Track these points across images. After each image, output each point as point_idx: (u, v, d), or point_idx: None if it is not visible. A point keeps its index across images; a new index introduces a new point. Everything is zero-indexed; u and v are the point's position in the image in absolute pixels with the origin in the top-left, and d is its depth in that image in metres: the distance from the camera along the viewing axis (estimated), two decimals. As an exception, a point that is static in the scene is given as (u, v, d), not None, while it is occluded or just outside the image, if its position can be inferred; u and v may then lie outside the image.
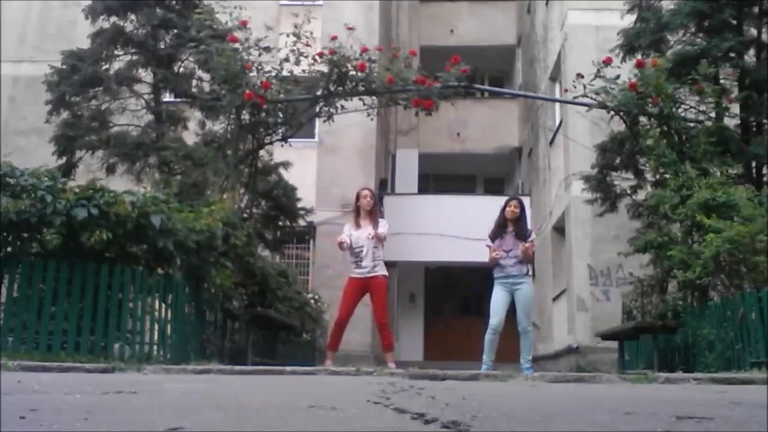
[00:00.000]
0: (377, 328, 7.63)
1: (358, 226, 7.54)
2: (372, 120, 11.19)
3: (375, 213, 7.64)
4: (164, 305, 6.82)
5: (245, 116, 9.30)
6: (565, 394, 3.81)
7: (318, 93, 9.33)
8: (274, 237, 13.03)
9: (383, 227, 7.57)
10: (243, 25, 9.16)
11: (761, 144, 8.96)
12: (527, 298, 7.22)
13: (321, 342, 13.38)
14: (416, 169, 20.97)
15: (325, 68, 9.04)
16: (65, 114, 11.81)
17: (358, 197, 7.67)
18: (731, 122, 9.38)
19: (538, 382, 4.83)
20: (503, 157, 21.73)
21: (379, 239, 7.42)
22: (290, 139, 9.86)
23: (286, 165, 12.61)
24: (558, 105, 15.37)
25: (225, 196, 8.58)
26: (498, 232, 7.34)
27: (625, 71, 9.16)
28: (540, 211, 17.46)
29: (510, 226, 7.31)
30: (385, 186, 18.33)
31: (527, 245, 7.22)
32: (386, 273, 7.57)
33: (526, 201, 18.76)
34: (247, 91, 8.78)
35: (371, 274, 7.40)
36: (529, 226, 7.64)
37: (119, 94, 11.92)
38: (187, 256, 6.90)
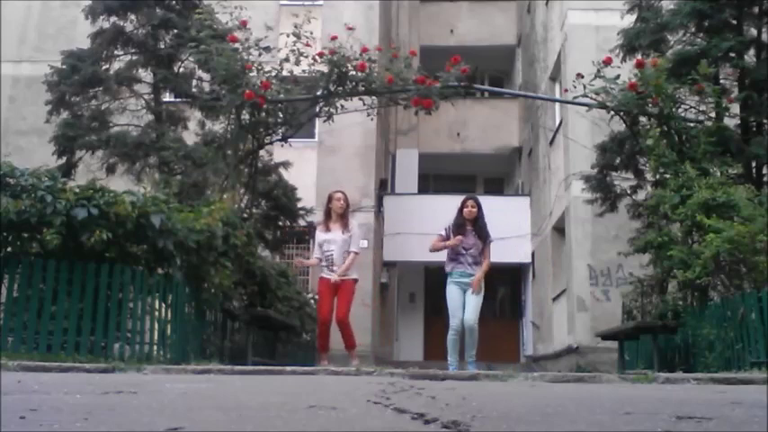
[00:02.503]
0: (338, 325, 7.44)
1: (327, 229, 7.47)
2: (372, 120, 11.19)
3: (346, 217, 7.55)
4: (164, 305, 6.81)
5: (245, 116, 9.29)
6: (565, 394, 3.81)
7: (318, 93, 9.32)
8: (274, 237, 13.03)
9: (354, 228, 7.53)
10: (243, 25, 9.16)
11: (761, 144, 8.96)
12: (478, 297, 7.23)
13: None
14: (416, 169, 20.98)
15: (325, 68, 9.04)
16: (65, 114, 11.82)
17: (330, 199, 7.57)
18: (731, 122, 9.38)
19: (538, 382, 4.83)
20: (503, 157, 21.73)
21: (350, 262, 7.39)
22: (290, 139, 9.86)
23: (286, 165, 12.62)
24: (558, 105, 15.37)
25: (225, 196, 8.58)
26: (458, 232, 7.37)
27: (625, 71, 9.16)
28: (540, 211, 17.46)
29: (469, 225, 7.35)
30: (385, 186, 18.33)
31: (487, 257, 7.38)
32: (356, 276, 7.50)
33: (526, 201, 18.93)
34: (247, 91, 8.77)
35: (341, 278, 7.33)
36: (488, 227, 7.59)
37: (119, 94, 11.93)
38: (187, 255, 6.90)
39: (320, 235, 7.51)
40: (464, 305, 7.25)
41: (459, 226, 7.40)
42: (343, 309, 7.37)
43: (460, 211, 7.43)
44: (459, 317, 7.20)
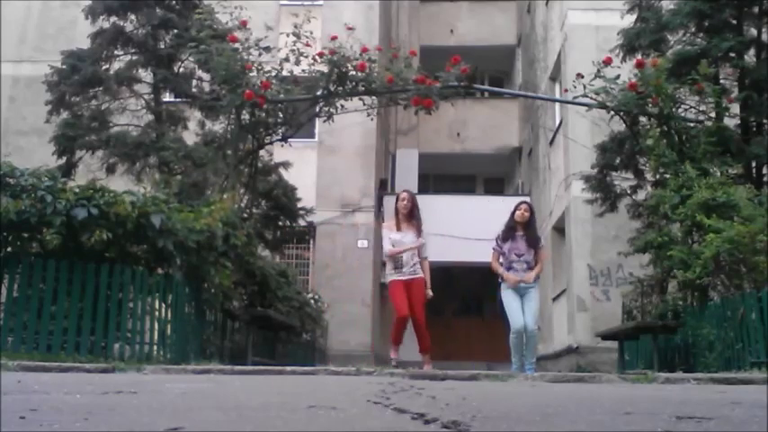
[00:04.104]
0: (414, 329, 7.46)
1: (398, 228, 7.44)
2: (372, 120, 11.19)
3: (418, 219, 7.48)
4: (164, 305, 6.82)
5: (245, 116, 9.30)
6: (565, 394, 3.81)
7: (318, 93, 9.33)
8: (274, 237, 13.03)
9: (424, 239, 7.52)
10: (243, 25, 9.17)
11: (761, 144, 8.96)
12: (535, 303, 7.20)
13: (321, 342, 13.40)
14: (416, 169, 20.95)
15: (325, 68, 9.04)
16: (65, 114, 11.82)
17: (397, 198, 7.64)
18: (731, 122, 9.38)
19: (538, 382, 4.83)
20: (503, 157, 21.72)
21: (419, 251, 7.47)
22: (290, 139, 9.86)
23: (286, 165, 12.62)
24: (558, 105, 15.37)
25: (225, 196, 8.58)
26: (508, 235, 7.32)
27: (625, 71, 9.16)
28: (540, 211, 17.42)
29: (520, 230, 7.30)
30: (385, 186, 18.31)
31: (541, 260, 7.32)
32: (422, 275, 7.47)
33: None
34: (247, 91, 8.78)
35: (412, 277, 7.32)
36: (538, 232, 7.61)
37: (119, 94, 11.93)
38: (187, 255, 6.90)
39: (391, 234, 7.44)
40: (521, 306, 7.16)
41: (510, 229, 7.32)
42: (420, 313, 7.37)
43: (513, 213, 7.36)
44: (521, 319, 7.10)
